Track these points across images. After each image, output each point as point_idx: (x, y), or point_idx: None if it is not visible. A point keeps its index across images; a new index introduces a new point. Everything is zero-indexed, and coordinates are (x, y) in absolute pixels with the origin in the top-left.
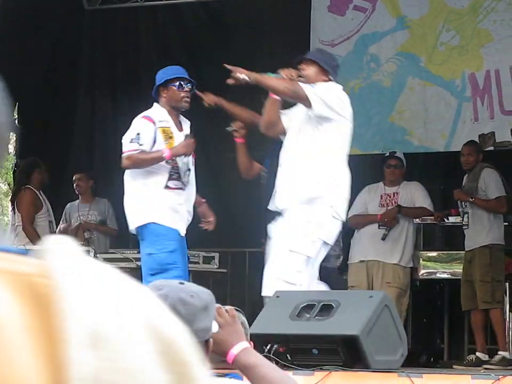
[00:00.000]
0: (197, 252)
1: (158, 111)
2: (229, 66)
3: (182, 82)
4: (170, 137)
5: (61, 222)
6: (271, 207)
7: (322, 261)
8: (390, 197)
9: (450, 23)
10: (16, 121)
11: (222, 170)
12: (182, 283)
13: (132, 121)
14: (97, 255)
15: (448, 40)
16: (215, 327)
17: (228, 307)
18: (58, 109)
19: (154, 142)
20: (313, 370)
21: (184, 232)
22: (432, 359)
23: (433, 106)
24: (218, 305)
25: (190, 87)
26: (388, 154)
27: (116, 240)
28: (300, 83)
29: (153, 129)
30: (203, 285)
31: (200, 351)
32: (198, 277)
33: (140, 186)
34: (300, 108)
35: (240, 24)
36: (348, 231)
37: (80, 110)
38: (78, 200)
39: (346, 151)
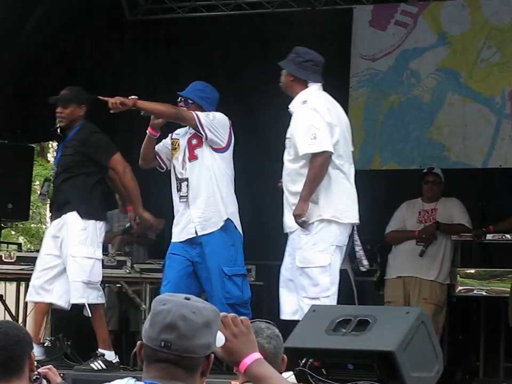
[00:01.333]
0: None
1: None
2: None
3: (180, 99)
4: (175, 149)
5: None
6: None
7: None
8: (428, 213)
9: (491, 40)
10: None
11: (259, 182)
12: (187, 298)
13: (169, 133)
14: (134, 265)
15: (489, 57)
16: (220, 341)
17: (242, 317)
18: (100, 118)
19: None
20: None
21: (187, 236)
22: (467, 377)
23: (472, 123)
24: (233, 314)
25: (182, 101)
26: (426, 170)
27: (153, 250)
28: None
29: (168, 142)
30: None
31: (199, 366)
32: None
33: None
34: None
35: (280, 37)
36: (385, 247)
37: (121, 120)
38: (117, 210)
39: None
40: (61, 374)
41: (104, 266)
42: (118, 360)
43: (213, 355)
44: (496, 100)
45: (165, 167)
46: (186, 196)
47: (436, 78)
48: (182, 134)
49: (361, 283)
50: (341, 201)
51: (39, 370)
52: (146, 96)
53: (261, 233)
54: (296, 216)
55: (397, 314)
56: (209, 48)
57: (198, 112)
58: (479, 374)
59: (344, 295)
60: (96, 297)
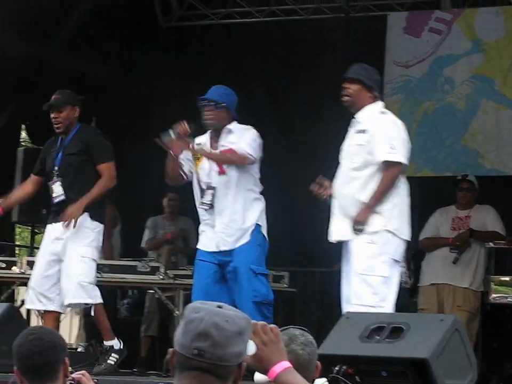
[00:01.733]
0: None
1: (205, 134)
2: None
3: (204, 103)
4: (198, 158)
5: (146, 236)
6: None
7: None
8: (461, 220)
9: None
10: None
11: (292, 189)
12: (220, 306)
13: None
14: (168, 272)
15: None
16: (251, 350)
17: (272, 326)
18: (134, 124)
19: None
20: None
21: (213, 249)
22: None
23: (506, 130)
24: (263, 322)
25: (208, 105)
26: (460, 177)
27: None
28: None
29: (189, 153)
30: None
31: (231, 374)
32: None
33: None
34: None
35: (314, 43)
36: (419, 254)
37: (154, 126)
38: (161, 216)
39: None
40: (95, 380)
41: (138, 272)
42: (122, 347)
43: (245, 363)
44: None
45: (186, 179)
46: (211, 204)
47: (470, 85)
48: (203, 143)
49: None
50: (403, 216)
51: (73, 375)
52: (179, 102)
53: (293, 241)
54: (358, 222)
55: (431, 321)
56: (242, 54)
57: (245, 147)
58: None
59: None
60: (99, 297)
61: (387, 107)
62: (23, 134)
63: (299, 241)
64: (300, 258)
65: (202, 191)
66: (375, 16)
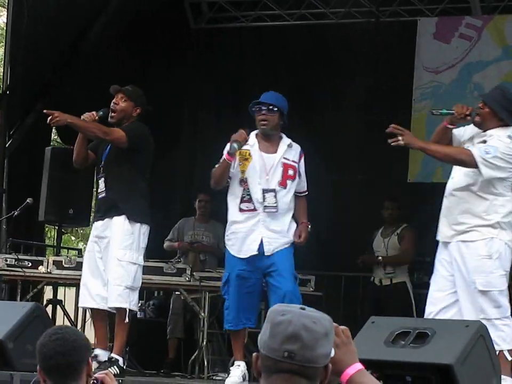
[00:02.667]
0: None
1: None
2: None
3: (260, 107)
4: (246, 159)
5: (169, 237)
6: None
7: None
8: None
9: None
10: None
11: (318, 193)
12: (303, 308)
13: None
14: (194, 273)
15: None
16: (331, 353)
17: (342, 327)
18: (162, 127)
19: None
20: None
21: (254, 253)
22: None
23: None
24: (335, 324)
25: (265, 109)
26: None
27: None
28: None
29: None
30: None
31: (318, 376)
32: None
33: (229, 210)
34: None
35: (344, 48)
36: None
37: (184, 129)
38: (193, 218)
39: None
40: (119, 381)
41: (163, 274)
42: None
43: (330, 365)
44: None
45: (228, 182)
46: (276, 206)
47: None
48: (252, 145)
49: (420, 295)
50: None
51: (96, 375)
52: (210, 102)
53: (320, 244)
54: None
55: (456, 327)
56: (273, 57)
57: (304, 182)
58: None
59: (403, 308)
60: (135, 303)
61: (416, 112)
62: (54, 134)
63: (325, 246)
64: (326, 263)
65: (257, 194)
66: (405, 21)
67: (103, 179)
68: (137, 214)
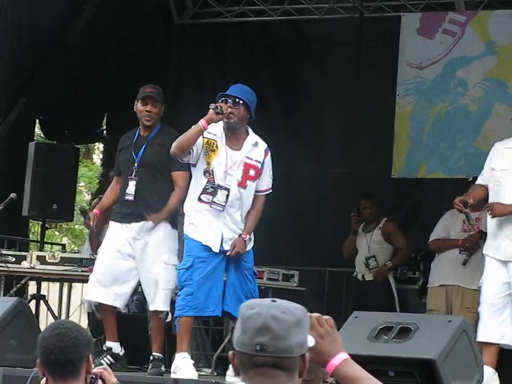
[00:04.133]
0: (277, 270)
1: (215, 124)
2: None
3: (226, 99)
4: (213, 150)
5: None
6: None
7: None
8: None
9: None
10: (105, 132)
11: (300, 188)
12: (274, 300)
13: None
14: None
15: None
16: (311, 341)
17: (326, 316)
18: None
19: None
20: None
21: (218, 249)
22: None
23: None
24: (318, 314)
25: (231, 102)
26: (471, 179)
27: None
28: None
29: (200, 138)
30: None
31: (296, 367)
32: (277, 295)
33: (187, 198)
34: None
35: (328, 43)
36: (428, 255)
37: (167, 122)
38: None
39: None
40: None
41: None
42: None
43: (308, 354)
44: None
45: (189, 161)
46: (223, 205)
47: (483, 87)
48: (220, 137)
49: (403, 291)
50: None
51: (94, 370)
52: (193, 99)
53: (304, 240)
54: None
55: (439, 322)
56: (256, 52)
57: (268, 184)
58: None
59: (386, 303)
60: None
61: (400, 108)
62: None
63: (309, 241)
64: (309, 258)
65: (215, 190)
66: (389, 16)
67: (134, 182)
68: (176, 221)
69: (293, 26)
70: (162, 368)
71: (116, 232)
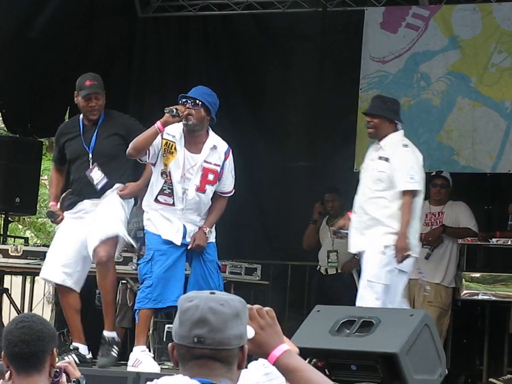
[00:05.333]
0: (239, 263)
1: (175, 126)
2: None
3: (187, 100)
4: (171, 153)
5: None
6: None
7: None
8: (435, 216)
9: (503, 45)
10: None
11: (262, 182)
12: (212, 293)
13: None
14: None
15: (499, 61)
16: (250, 333)
17: (267, 308)
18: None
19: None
20: None
21: (180, 242)
22: (469, 380)
23: (482, 127)
24: (258, 306)
25: (190, 103)
26: (434, 173)
27: None
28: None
29: (159, 138)
30: (244, 296)
31: (234, 358)
32: (239, 288)
33: (146, 196)
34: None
35: (291, 37)
36: None
37: (131, 115)
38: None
39: None
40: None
41: None
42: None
43: (246, 346)
44: (506, 105)
45: (146, 161)
46: (182, 209)
47: (446, 81)
48: (178, 139)
49: None
50: (415, 233)
51: (59, 364)
52: (156, 92)
53: (266, 234)
54: (401, 250)
55: (401, 316)
56: (219, 46)
57: (230, 185)
58: (482, 378)
59: (349, 296)
60: None
61: (363, 102)
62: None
63: (270, 235)
64: (272, 252)
65: (176, 191)
66: (352, 10)
67: (96, 169)
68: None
69: (256, 20)
70: (114, 353)
71: (72, 224)
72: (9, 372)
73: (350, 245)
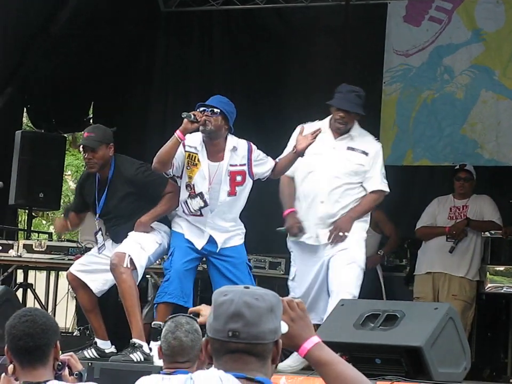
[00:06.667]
0: (264, 257)
1: (193, 136)
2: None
3: (205, 109)
4: (195, 165)
5: None
6: None
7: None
8: (459, 209)
9: None
10: (91, 120)
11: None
12: (247, 287)
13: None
14: (164, 257)
15: None
16: (284, 328)
17: (297, 300)
18: (132, 109)
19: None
20: (375, 380)
21: (200, 247)
22: (494, 374)
23: (506, 120)
24: (289, 298)
25: (208, 111)
26: (458, 167)
27: None
28: None
29: (181, 151)
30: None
31: (269, 353)
32: (263, 282)
33: None
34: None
35: (314, 30)
36: (415, 242)
37: (154, 109)
38: None
39: None
40: (89, 363)
41: None
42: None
43: (281, 341)
44: None
45: (171, 174)
46: (210, 218)
47: (469, 74)
48: (200, 150)
49: (390, 278)
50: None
51: (61, 357)
52: (179, 86)
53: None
54: (342, 229)
55: (426, 310)
56: (242, 40)
57: (269, 163)
58: (507, 372)
59: (373, 290)
60: None
61: (386, 95)
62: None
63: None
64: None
65: (203, 201)
66: (375, 4)
67: (100, 233)
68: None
69: (279, 14)
70: (134, 356)
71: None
72: (12, 365)
73: (317, 237)
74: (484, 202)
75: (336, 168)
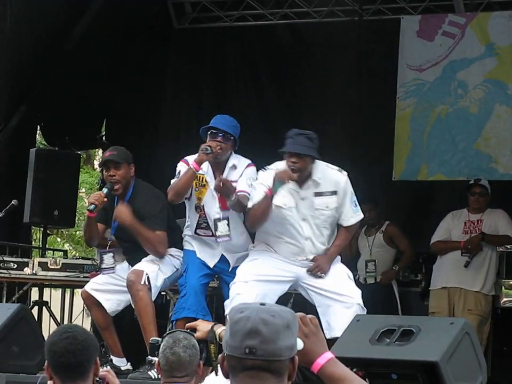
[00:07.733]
0: None
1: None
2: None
3: (217, 132)
4: (203, 185)
5: None
6: None
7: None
8: (473, 224)
9: None
10: (104, 137)
11: None
12: (262, 304)
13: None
14: None
15: None
16: (300, 345)
17: (310, 316)
18: (144, 126)
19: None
20: None
21: (212, 265)
22: None
23: None
24: (302, 314)
25: (221, 136)
26: (472, 181)
27: None
28: None
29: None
30: (283, 304)
31: (285, 370)
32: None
33: (185, 230)
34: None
35: (327, 46)
36: (430, 257)
37: (166, 126)
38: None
39: None
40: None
41: None
42: None
43: (297, 358)
44: None
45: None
46: (229, 234)
47: (483, 89)
48: (206, 170)
49: (405, 293)
50: None
51: (100, 373)
52: (192, 103)
53: None
54: (321, 270)
55: (441, 325)
56: (255, 56)
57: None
58: None
59: (388, 305)
60: None
61: (400, 110)
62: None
63: None
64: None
65: (215, 224)
66: (388, 19)
67: (111, 254)
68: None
69: (292, 30)
70: (152, 374)
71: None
72: (52, 382)
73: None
74: (498, 217)
75: (308, 219)
